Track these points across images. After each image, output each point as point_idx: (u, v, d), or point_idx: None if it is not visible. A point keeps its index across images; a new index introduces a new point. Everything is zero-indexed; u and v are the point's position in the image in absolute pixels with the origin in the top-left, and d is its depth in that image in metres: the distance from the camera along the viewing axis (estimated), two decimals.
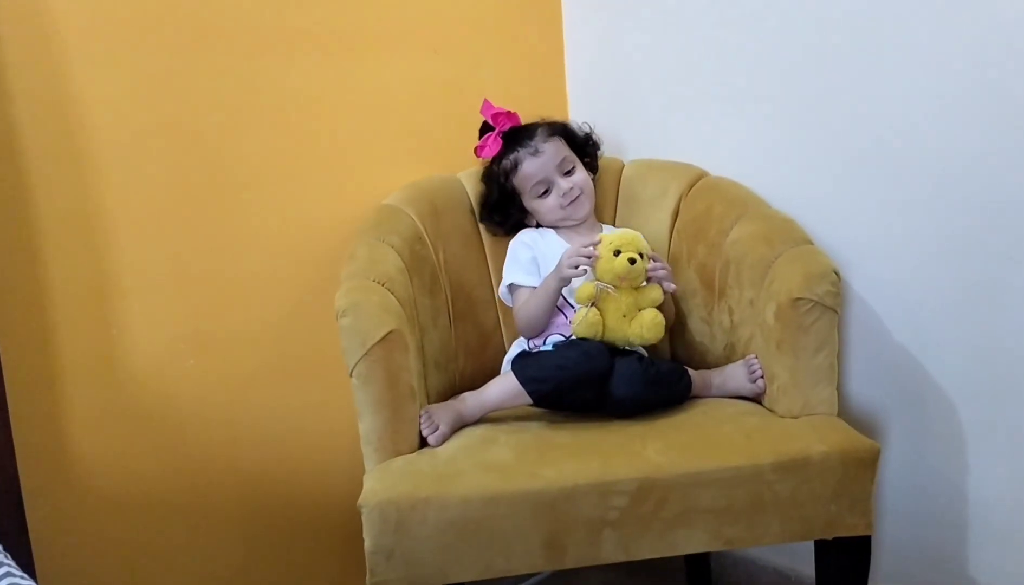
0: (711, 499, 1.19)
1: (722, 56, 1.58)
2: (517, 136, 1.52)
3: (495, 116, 1.53)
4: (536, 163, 1.49)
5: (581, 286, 1.37)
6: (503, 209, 1.54)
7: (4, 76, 1.20)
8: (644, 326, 1.35)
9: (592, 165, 1.58)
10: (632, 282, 1.36)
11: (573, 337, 1.38)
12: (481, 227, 1.58)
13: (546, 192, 1.50)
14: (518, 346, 1.47)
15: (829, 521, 1.22)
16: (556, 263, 1.40)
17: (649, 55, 1.69)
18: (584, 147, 1.58)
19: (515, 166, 1.50)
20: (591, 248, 1.36)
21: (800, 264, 1.31)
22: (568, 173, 1.51)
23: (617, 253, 1.35)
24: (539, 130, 1.52)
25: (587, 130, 1.60)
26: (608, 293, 1.35)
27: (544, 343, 1.44)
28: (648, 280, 1.38)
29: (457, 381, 1.50)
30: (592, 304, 1.35)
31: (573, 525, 1.17)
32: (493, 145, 1.52)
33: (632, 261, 1.34)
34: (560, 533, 1.17)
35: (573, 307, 1.41)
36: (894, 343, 1.44)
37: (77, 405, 1.30)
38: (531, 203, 1.52)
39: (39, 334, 1.26)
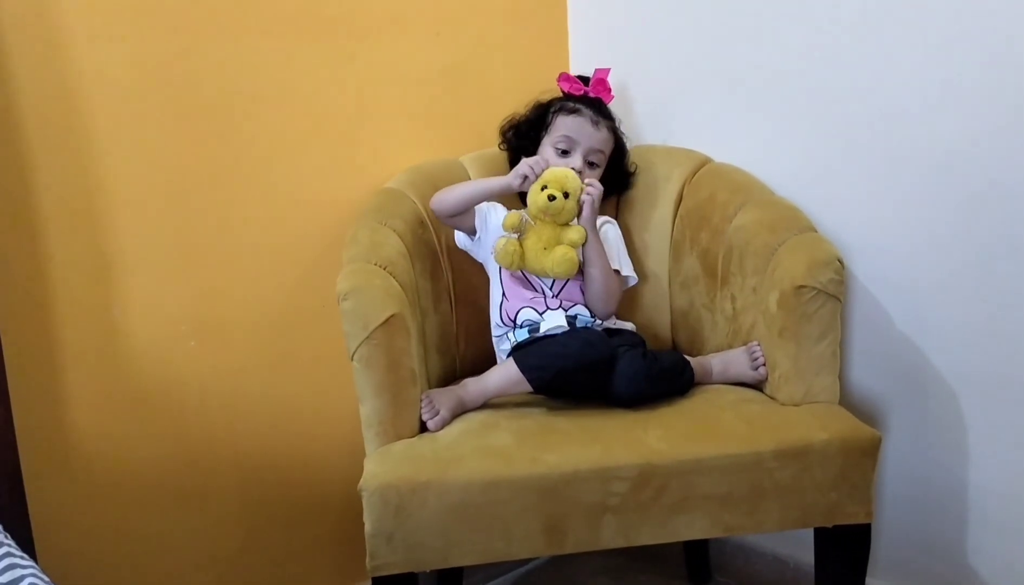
0: (711, 486, 1.19)
1: (727, 42, 1.57)
2: (594, 104, 1.54)
3: (599, 81, 1.56)
4: (585, 129, 1.50)
5: (508, 215, 1.41)
6: (525, 128, 1.55)
7: (5, 55, 1.20)
8: (555, 260, 1.39)
9: (609, 188, 1.55)
10: (554, 218, 1.39)
11: (546, 318, 1.42)
12: None
13: (564, 153, 1.50)
14: (499, 329, 1.47)
15: (829, 509, 1.22)
16: (492, 238, 1.45)
17: (654, 41, 1.68)
18: (621, 174, 1.58)
19: (569, 112, 1.51)
20: (541, 167, 1.40)
21: (804, 252, 1.31)
22: (591, 164, 1.50)
23: (544, 188, 1.38)
24: (611, 119, 1.55)
25: (633, 170, 1.61)
26: (530, 225, 1.40)
27: (516, 320, 1.43)
28: (579, 217, 1.40)
29: (458, 366, 1.50)
30: (518, 234, 1.40)
31: (573, 510, 1.17)
32: (575, 87, 1.55)
33: (551, 198, 1.37)
34: (560, 518, 1.18)
35: (547, 286, 1.44)
36: (896, 332, 1.44)
37: (78, 387, 1.30)
38: (546, 145, 1.52)
39: (40, 317, 1.26)
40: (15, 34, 1.20)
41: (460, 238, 1.50)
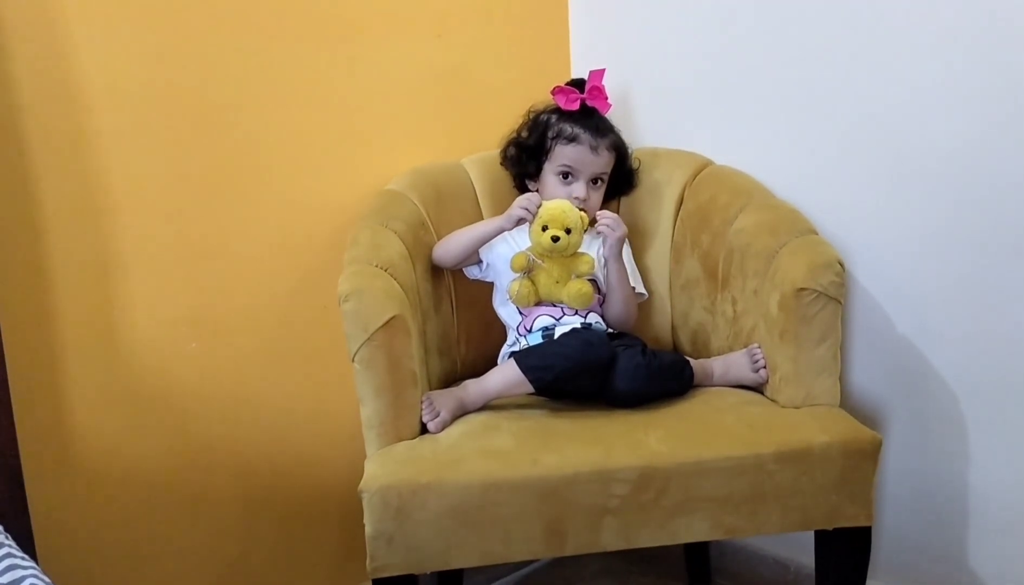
0: (712, 488, 1.19)
1: (729, 45, 1.57)
2: (593, 117, 1.52)
3: (594, 89, 1.53)
4: (586, 156, 1.49)
5: (515, 256, 1.42)
6: (527, 153, 1.53)
7: (6, 55, 1.20)
8: (570, 295, 1.41)
9: (611, 191, 1.57)
10: (560, 254, 1.40)
11: (561, 323, 1.42)
12: (484, 213, 1.57)
13: (567, 179, 1.50)
14: (513, 337, 1.47)
15: (830, 511, 1.22)
16: (500, 260, 1.46)
17: (655, 42, 1.68)
18: (622, 177, 1.57)
19: (569, 139, 1.49)
20: (535, 204, 1.39)
21: (804, 254, 1.31)
22: (594, 183, 1.50)
23: (545, 228, 1.38)
24: (611, 133, 1.53)
25: (635, 166, 1.59)
26: (537, 263, 1.41)
27: (531, 330, 1.44)
28: (590, 226, 1.43)
29: (458, 368, 1.50)
30: (527, 273, 1.42)
31: (574, 512, 1.17)
32: (570, 102, 1.52)
33: (555, 239, 1.37)
34: (560, 520, 1.18)
35: (564, 306, 1.44)
36: (897, 334, 1.44)
37: (78, 387, 1.30)
38: (548, 173, 1.51)
39: (41, 315, 1.26)
40: (17, 34, 1.20)
41: (470, 272, 1.51)
